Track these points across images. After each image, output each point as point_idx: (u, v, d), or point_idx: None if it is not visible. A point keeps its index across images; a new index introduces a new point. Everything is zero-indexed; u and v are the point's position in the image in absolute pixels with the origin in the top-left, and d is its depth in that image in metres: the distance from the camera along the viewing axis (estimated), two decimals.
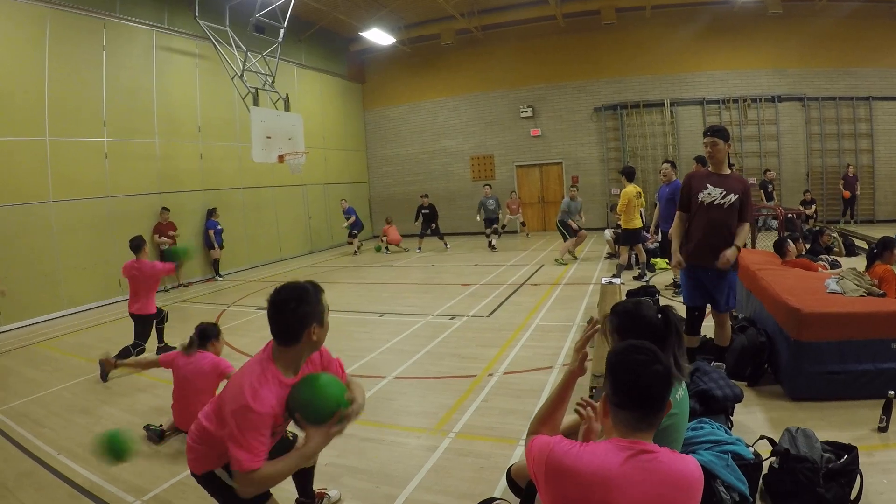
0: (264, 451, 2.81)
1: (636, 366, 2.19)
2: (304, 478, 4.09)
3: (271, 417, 2.84)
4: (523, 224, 21.97)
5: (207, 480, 3.27)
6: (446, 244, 20.10)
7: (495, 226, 19.48)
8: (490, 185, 20.81)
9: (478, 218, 19.69)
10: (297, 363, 3.09)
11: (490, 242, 19.06)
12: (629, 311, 3.23)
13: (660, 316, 3.16)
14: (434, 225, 19.86)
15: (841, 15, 19.21)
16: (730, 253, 5.65)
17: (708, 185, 5.87)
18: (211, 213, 16.25)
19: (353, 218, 20.06)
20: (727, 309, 6.00)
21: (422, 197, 20.29)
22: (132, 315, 8.21)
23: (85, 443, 5.62)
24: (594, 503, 2.03)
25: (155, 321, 8.48)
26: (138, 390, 7.22)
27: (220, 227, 16.22)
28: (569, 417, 3.06)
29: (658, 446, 2.18)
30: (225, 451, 2.84)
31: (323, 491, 4.34)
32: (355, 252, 20.46)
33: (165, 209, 14.86)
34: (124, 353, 7.84)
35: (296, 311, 2.95)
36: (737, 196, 5.74)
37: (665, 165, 11.28)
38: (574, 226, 15.52)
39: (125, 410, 6.54)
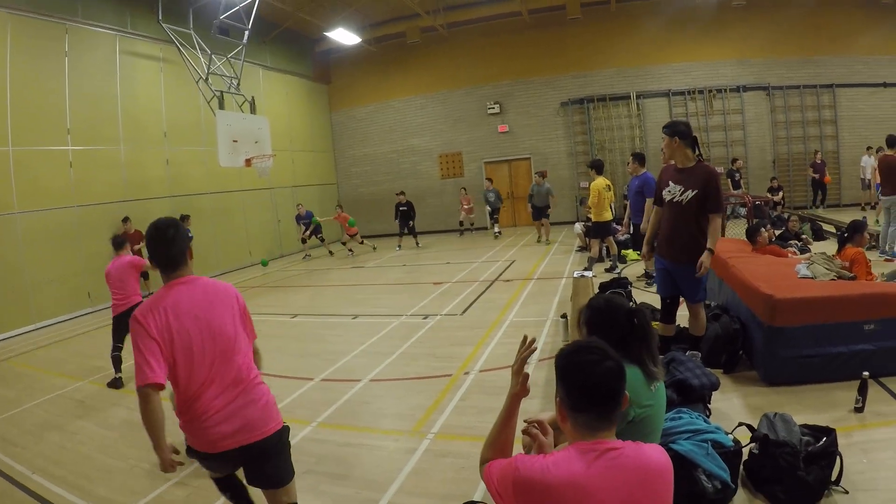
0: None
1: (588, 366, 2.15)
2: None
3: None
4: (471, 225, 22.71)
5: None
6: (418, 242, 20.26)
7: (496, 216, 20.30)
8: (491, 180, 21.21)
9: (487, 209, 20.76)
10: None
11: (496, 232, 20.56)
12: (600, 309, 3.25)
13: (635, 321, 3.15)
14: (411, 222, 20.03)
15: (803, 5, 19.50)
16: (704, 259, 5.58)
17: (670, 182, 5.89)
18: (183, 219, 15.83)
19: (312, 226, 19.73)
20: (698, 301, 5.97)
21: (398, 195, 20.37)
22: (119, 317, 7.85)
23: (59, 460, 5.51)
24: None
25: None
26: (112, 404, 7.07)
27: (190, 234, 15.93)
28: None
29: (622, 441, 2.15)
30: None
31: None
32: (305, 257, 20.35)
33: (126, 219, 14.32)
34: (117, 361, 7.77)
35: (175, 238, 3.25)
36: (695, 192, 5.65)
37: (630, 158, 11.43)
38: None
39: (99, 425, 6.40)
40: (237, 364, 3.21)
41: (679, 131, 5.78)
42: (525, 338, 2.67)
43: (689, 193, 5.67)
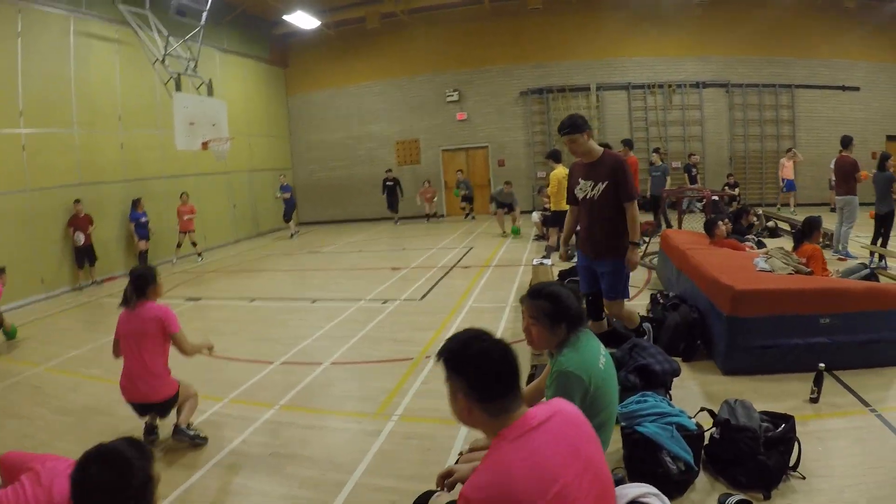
0: None
1: (488, 352, 2.16)
2: None
3: None
4: (436, 215, 22.90)
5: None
6: (397, 221, 21.98)
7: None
8: (462, 171, 21.92)
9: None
10: None
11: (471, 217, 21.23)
12: (560, 296, 3.32)
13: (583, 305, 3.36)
14: (398, 200, 21.92)
15: (766, 6, 19.79)
16: (631, 255, 5.65)
17: (580, 180, 5.87)
18: (135, 203, 15.58)
19: (288, 194, 20.54)
20: (614, 297, 5.94)
21: (386, 171, 22.39)
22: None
23: (20, 448, 5.37)
24: (543, 490, 1.95)
25: None
26: (68, 390, 6.90)
27: (144, 218, 15.72)
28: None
29: (533, 407, 2.19)
30: None
31: None
32: (292, 236, 20.74)
33: (77, 201, 13.94)
34: None
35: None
36: (606, 182, 5.63)
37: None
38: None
39: (56, 412, 6.22)
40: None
41: (585, 126, 5.67)
42: None
43: (601, 186, 5.66)
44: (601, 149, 5.81)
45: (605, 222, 5.73)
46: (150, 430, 5.22)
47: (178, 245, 16.97)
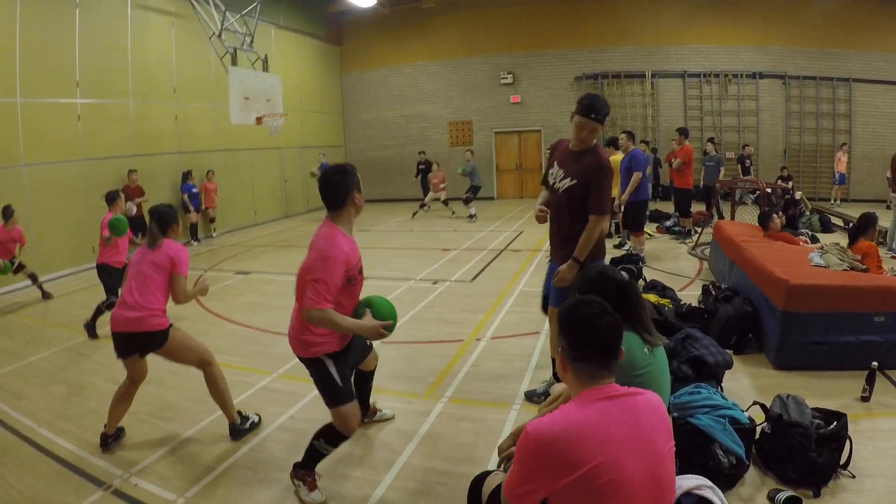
0: (332, 298, 3.59)
1: (590, 318, 2.28)
2: (363, 391, 4.71)
3: (343, 262, 3.64)
4: (445, 202, 18.93)
5: (307, 363, 3.95)
6: (427, 207, 20.09)
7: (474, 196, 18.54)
8: (472, 152, 19.98)
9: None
10: (349, 224, 3.89)
11: (471, 214, 18.16)
12: (591, 279, 3.32)
13: (625, 293, 3.24)
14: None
15: None
16: (564, 271, 4.77)
17: (555, 164, 5.06)
18: (185, 176, 15.99)
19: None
20: (554, 304, 5.05)
21: (419, 153, 21.86)
22: (100, 266, 8.26)
23: (66, 414, 5.53)
24: (592, 455, 2.03)
25: (115, 284, 8.04)
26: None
27: (195, 189, 16.03)
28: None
29: (622, 386, 2.28)
30: (323, 336, 3.82)
31: (376, 407, 5.11)
32: None
33: (133, 171, 14.26)
34: (97, 312, 7.85)
35: (340, 184, 3.80)
36: (575, 181, 4.79)
37: (622, 136, 11.39)
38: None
39: (106, 379, 6.27)
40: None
41: (606, 114, 4.84)
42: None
43: (568, 181, 4.85)
44: (594, 142, 4.97)
45: (563, 222, 4.97)
46: (105, 440, 4.86)
47: (212, 220, 17.27)
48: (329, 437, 3.96)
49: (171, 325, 4.85)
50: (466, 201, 18.23)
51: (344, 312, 3.75)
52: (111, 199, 8.23)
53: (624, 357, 2.34)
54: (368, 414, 4.95)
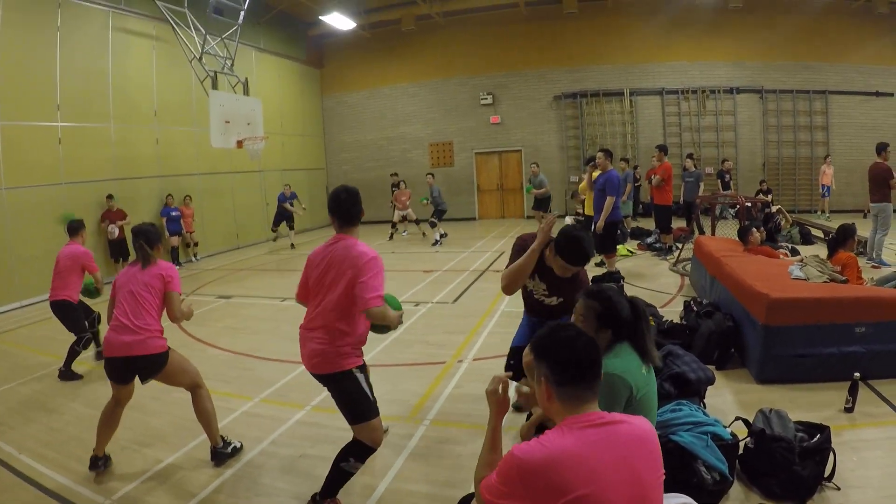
0: (382, 291, 3.90)
1: (571, 340, 2.27)
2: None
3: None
4: (417, 222, 19.14)
5: (337, 379, 4.05)
6: (401, 230, 19.94)
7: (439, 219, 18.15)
8: (433, 175, 19.49)
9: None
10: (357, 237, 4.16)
11: (438, 237, 17.62)
12: (611, 299, 3.31)
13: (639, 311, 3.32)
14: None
15: (800, 11, 19.65)
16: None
17: (536, 276, 4.83)
18: (166, 199, 15.97)
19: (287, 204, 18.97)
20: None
21: (392, 175, 21.07)
22: (59, 303, 7.70)
23: (47, 441, 5.45)
24: (577, 484, 2.00)
25: (80, 319, 7.78)
26: (100, 384, 6.81)
27: (175, 212, 15.93)
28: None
29: (609, 413, 2.25)
30: (354, 348, 4.10)
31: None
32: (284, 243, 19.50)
33: (110, 196, 14.18)
34: (72, 355, 7.43)
35: (357, 202, 4.17)
36: (562, 299, 4.74)
37: (599, 154, 11.10)
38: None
39: (87, 405, 6.25)
40: None
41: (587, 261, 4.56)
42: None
43: (554, 300, 4.80)
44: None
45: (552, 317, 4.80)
46: (94, 463, 4.81)
47: (192, 244, 17.17)
48: (358, 454, 4.02)
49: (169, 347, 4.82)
50: (432, 225, 17.91)
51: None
52: (74, 229, 7.91)
53: (629, 378, 2.34)
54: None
